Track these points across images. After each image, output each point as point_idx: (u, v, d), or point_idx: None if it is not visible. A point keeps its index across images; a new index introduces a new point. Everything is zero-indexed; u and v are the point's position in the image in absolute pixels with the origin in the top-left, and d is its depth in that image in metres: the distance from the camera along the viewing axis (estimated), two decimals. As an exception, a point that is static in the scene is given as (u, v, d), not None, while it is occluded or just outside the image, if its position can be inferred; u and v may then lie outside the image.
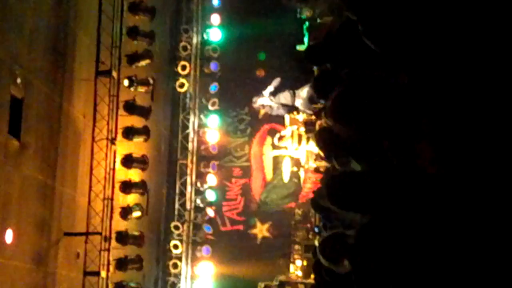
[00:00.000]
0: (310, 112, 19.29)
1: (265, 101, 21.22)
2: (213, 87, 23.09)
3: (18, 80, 13.54)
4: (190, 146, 22.58)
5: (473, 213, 3.79)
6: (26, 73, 13.79)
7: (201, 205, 22.88)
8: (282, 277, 20.27)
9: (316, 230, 18.56)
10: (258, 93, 21.50)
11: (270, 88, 21.05)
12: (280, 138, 21.62)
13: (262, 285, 20.59)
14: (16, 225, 13.54)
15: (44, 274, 14.73)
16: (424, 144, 3.91)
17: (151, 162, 19.35)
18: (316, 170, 19.65)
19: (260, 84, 22.25)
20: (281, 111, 20.96)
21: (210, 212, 22.94)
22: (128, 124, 18.42)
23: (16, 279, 13.64)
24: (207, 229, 23.06)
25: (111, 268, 16.94)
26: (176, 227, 21.93)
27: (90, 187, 16.20)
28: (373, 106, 4.04)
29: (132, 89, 18.67)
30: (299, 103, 19.98)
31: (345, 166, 5.34)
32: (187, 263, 22.21)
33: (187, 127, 22.65)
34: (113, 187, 16.98)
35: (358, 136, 4.45)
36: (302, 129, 20.44)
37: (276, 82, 21.04)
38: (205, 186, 22.92)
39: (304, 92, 19.61)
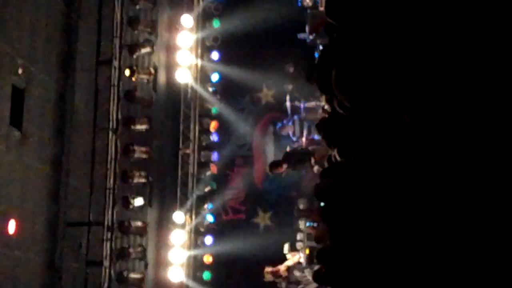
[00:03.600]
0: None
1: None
2: (215, 76, 23.04)
3: (19, 71, 13.50)
4: (191, 135, 22.53)
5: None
6: (27, 63, 13.75)
7: (203, 195, 22.87)
8: (288, 263, 20.17)
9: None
10: (259, 84, 21.81)
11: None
12: (282, 127, 21.62)
13: (269, 269, 20.43)
14: (19, 216, 13.53)
15: (47, 265, 14.73)
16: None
17: (152, 152, 19.33)
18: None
19: (262, 72, 22.31)
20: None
21: (212, 201, 22.95)
22: (129, 114, 18.39)
23: (18, 270, 13.65)
24: (209, 218, 23.07)
25: (114, 258, 16.96)
26: (178, 217, 21.91)
27: (92, 177, 16.18)
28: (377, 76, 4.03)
29: (133, 78, 18.64)
30: None
31: (345, 157, 5.31)
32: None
33: (189, 117, 22.60)
34: (115, 177, 16.96)
35: (360, 108, 4.42)
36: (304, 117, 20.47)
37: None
38: (207, 175, 22.90)
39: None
